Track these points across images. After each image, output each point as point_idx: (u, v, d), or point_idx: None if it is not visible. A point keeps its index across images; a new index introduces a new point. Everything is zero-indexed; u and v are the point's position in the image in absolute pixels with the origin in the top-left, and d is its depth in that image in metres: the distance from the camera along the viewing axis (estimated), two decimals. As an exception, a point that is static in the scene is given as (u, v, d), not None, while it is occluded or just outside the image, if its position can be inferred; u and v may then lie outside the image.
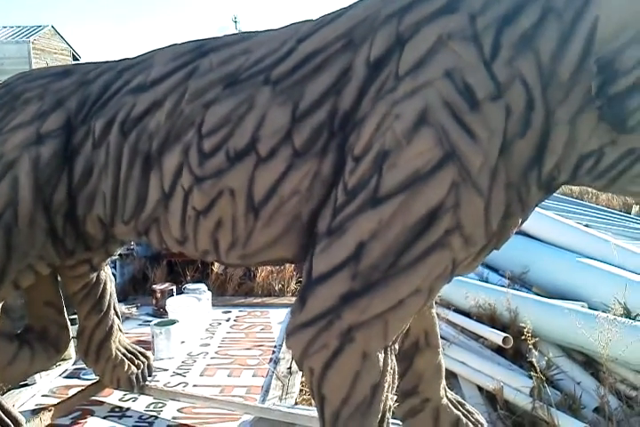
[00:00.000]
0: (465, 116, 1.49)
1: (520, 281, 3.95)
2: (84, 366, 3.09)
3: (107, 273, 2.80)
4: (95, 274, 2.70)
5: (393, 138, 1.53)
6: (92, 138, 1.99)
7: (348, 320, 1.58)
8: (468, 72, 1.50)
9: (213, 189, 1.76)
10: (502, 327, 3.36)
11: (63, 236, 2.14)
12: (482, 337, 3.38)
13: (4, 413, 2.28)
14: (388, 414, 1.72)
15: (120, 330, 2.92)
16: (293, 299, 1.73)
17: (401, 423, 2.29)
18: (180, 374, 3.28)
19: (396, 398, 2.45)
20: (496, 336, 3.14)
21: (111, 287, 2.83)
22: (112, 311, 2.83)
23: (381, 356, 1.64)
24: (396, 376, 1.76)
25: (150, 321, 3.81)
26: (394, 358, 1.72)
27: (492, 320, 3.47)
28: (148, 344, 3.52)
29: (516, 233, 4.40)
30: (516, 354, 3.22)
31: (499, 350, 3.28)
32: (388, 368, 1.67)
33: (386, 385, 1.67)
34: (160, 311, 4.16)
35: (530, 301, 3.35)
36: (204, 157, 1.77)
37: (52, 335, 2.72)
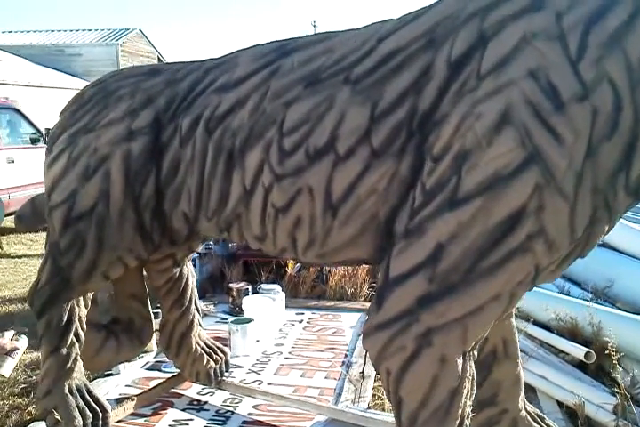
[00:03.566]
0: (550, 117, 1.45)
1: (603, 295, 3.78)
2: (164, 358, 3.22)
3: (189, 269, 2.91)
4: (178, 269, 2.82)
5: (474, 138, 1.52)
6: (179, 135, 2.08)
7: (426, 323, 1.57)
8: (553, 72, 1.47)
9: (293, 186, 1.80)
10: (584, 342, 3.23)
11: (150, 230, 2.24)
12: (562, 352, 3.26)
13: (93, 400, 2.40)
14: (467, 421, 1.69)
15: (200, 325, 3.01)
16: (366, 304, 1.73)
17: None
18: (255, 372, 3.35)
19: (473, 407, 2.39)
20: (578, 351, 3.02)
21: (193, 283, 2.94)
22: (193, 306, 2.94)
23: (460, 361, 1.62)
24: (475, 383, 1.73)
25: (227, 319, 3.93)
26: (472, 364, 1.69)
27: (574, 334, 3.33)
28: (225, 341, 3.60)
29: (601, 246, 4.27)
30: (597, 370, 3.08)
31: (580, 366, 3.15)
32: (467, 374, 1.65)
33: (464, 391, 1.65)
34: (236, 310, 4.26)
35: (614, 315, 3.20)
36: (285, 154, 1.81)
37: (137, 327, 2.85)
